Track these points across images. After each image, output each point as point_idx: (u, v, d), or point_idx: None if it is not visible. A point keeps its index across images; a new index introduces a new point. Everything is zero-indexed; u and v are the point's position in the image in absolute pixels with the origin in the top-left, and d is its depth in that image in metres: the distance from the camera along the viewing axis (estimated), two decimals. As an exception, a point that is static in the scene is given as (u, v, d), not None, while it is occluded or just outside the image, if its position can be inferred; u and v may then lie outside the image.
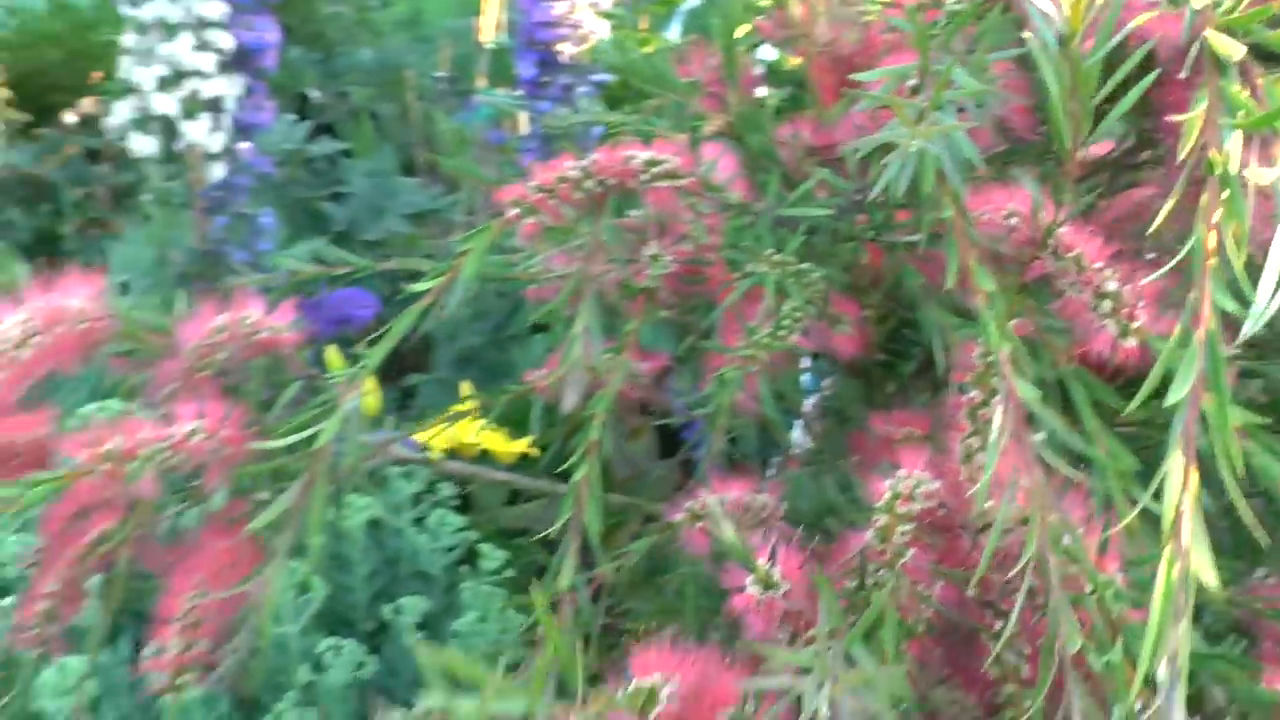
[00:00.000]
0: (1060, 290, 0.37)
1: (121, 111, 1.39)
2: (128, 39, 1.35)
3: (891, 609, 0.34)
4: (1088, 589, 0.32)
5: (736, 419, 0.43)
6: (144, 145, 1.38)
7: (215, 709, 0.62)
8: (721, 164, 0.45)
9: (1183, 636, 0.28)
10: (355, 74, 1.91)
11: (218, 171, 1.36)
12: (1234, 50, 0.35)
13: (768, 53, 0.59)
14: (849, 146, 0.43)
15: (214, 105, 1.36)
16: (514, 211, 0.40)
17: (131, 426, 0.39)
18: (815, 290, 0.42)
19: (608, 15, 1.33)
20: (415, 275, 0.42)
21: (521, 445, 0.88)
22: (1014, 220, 0.37)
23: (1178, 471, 0.30)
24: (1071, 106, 0.35)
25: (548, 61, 1.45)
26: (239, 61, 1.37)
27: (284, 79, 1.52)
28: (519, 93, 1.43)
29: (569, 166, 0.40)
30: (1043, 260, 0.37)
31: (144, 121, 1.39)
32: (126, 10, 1.37)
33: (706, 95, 0.52)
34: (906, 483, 0.35)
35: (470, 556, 0.72)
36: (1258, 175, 0.33)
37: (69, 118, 2.59)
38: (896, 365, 0.53)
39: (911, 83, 0.38)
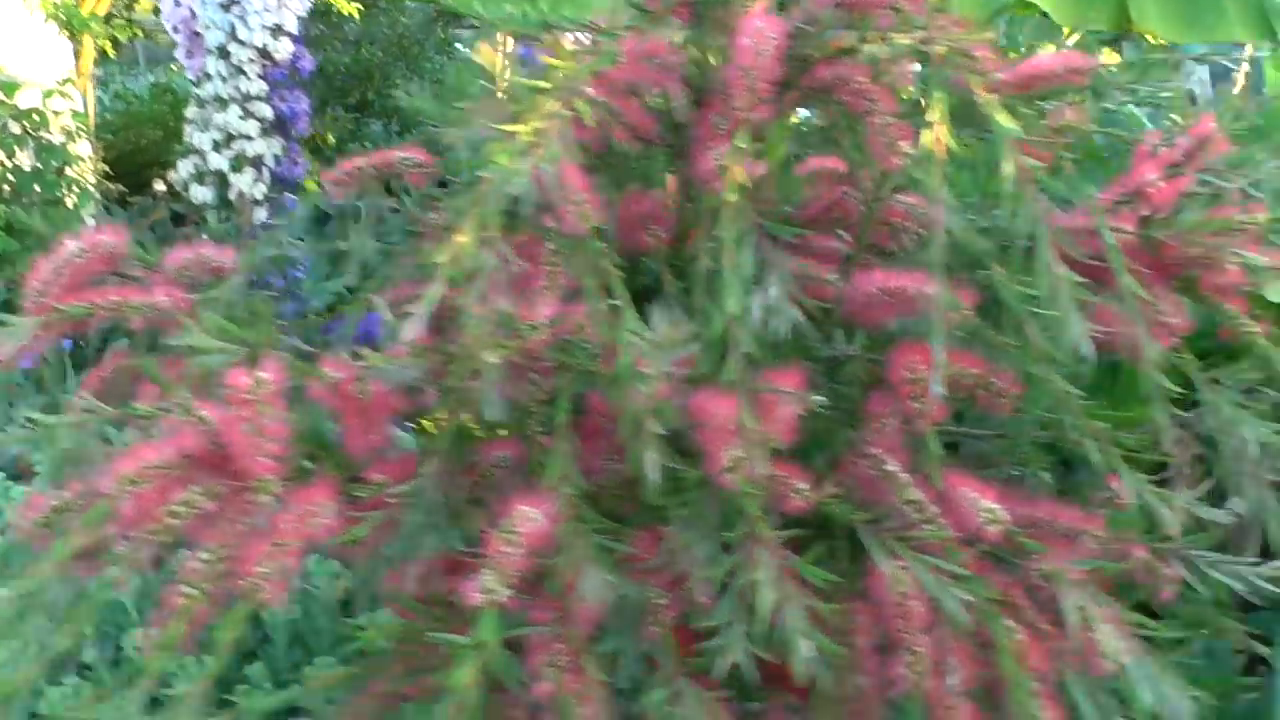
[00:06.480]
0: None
1: (184, 168, 1.72)
2: (189, 110, 1.69)
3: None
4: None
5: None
6: (201, 194, 1.71)
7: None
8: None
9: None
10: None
11: (260, 215, 1.67)
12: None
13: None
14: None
15: (256, 162, 1.69)
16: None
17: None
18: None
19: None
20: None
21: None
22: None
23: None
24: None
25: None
26: (277, 127, 1.69)
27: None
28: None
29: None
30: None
31: (202, 175, 1.71)
32: (190, 88, 1.71)
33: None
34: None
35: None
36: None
37: (158, 187, 2.99)
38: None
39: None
